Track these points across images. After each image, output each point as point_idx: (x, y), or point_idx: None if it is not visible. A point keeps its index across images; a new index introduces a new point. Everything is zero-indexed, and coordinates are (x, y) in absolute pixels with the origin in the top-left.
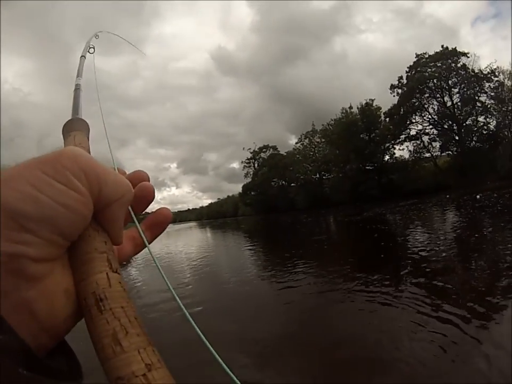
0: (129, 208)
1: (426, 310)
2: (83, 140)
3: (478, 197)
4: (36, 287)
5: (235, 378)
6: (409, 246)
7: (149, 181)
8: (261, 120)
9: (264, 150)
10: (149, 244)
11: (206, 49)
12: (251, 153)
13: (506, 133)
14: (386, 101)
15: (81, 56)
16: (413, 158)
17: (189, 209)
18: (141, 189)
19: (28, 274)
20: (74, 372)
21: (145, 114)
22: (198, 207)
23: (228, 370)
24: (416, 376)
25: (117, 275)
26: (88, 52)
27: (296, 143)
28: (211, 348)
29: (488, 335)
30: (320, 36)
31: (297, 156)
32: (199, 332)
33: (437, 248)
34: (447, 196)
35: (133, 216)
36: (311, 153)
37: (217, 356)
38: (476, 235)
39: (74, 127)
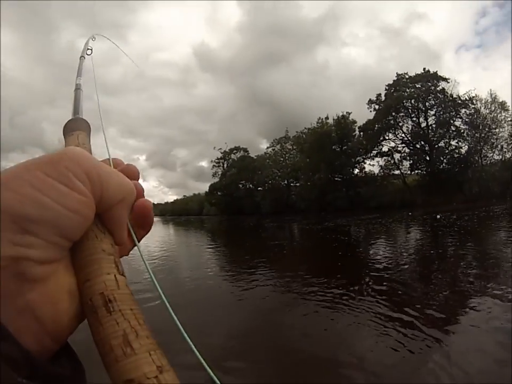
0: None
1: (380, 317)
2: (85, 140)
3: (438, 216)
4: (39, 290)
5: (212, 374)
6: (364, 256)
7: (138, 177)
8: (234, 121)
9: (235, 151)
10: (139, 241)
11: (190, 43)
12: (222, 153)
13: (477, 158)
14: (361, 115)
15: (81, 56)
16: (383, 173)
17: (153, 203)
18: (139, 206)
19: (31, 276)
20: (77, 376)
21: (120, 102)
22: (163, 202)
23: (203, 362)
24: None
25: (124, 278)
26: (87, 53)
27: (268, 147)
28: (190, 342)
29: (442, 345)
30: (304, 43)
31: (268, 160)
32: (180, 325)
33: (390, 260)
34: (410, 213)
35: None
36: (282, 159)
37: (195, 349)
38: (428, 252)
39: (77, 127)
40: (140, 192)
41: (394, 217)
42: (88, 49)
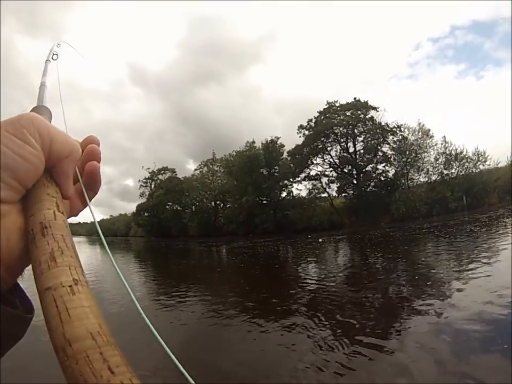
0: (76, 168)
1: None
2: None
3: (320, 240)
4: None
5: (188, 375)
6: (291, 277)
7: (99, 145)
8: (161, 140)
9: (162, 172)
10: (91, 199)
11: (125, 52)
12: (150, 173)
13: (403, 180)
14: (291, 140)
15: (46, 60)
16: (310, 197)
17: (79, 222)
18: (88, 149)
19: None
20: (27, 310)
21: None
22: (89, 221)
23: (178, 364)
24: None
25: (63, 215)
26: (52, 58)
27: (196, 169)
28: (164, 345)
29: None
30: (238, 62)
31: (195, 182)
32: (153, 328)
33: (316, 278)
34: (309, 236)
35: (78, 174)
36: (209, 181)
37: (169, 352)
38: (343, 269)
39: (39, 112)
40: (95, 155)
41: (306, 240)
42: (54, 54)
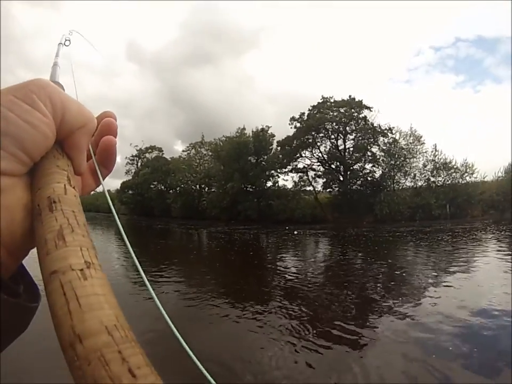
0: (89, 145)
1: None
2: None
3: (295, 232)
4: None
5: (208, 376)
6: (256, 262)
7: (116, 120)
8: (151, 119)
9: (150, 150)
10: (105, 177)
11: (123, 28)
12: (137, 150)
13: (389, 183)
14: (282, 130)
15: (59, 43)
16: (295, 189)
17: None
18: (104, 123)
19: None
20: (32, 297)
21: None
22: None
23: (198, 363)
24: None
25: (74, 191)
26: (65, 44)
27: (183, 151)
28: (184, 343)
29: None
30: (236, 47)
31: (182, 164)
32: (171, 323)
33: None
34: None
35: (91, 150)
36: (196, 164)
37: (189, 350)
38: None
39: None
40: (112, 129)
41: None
42: (66, 40)
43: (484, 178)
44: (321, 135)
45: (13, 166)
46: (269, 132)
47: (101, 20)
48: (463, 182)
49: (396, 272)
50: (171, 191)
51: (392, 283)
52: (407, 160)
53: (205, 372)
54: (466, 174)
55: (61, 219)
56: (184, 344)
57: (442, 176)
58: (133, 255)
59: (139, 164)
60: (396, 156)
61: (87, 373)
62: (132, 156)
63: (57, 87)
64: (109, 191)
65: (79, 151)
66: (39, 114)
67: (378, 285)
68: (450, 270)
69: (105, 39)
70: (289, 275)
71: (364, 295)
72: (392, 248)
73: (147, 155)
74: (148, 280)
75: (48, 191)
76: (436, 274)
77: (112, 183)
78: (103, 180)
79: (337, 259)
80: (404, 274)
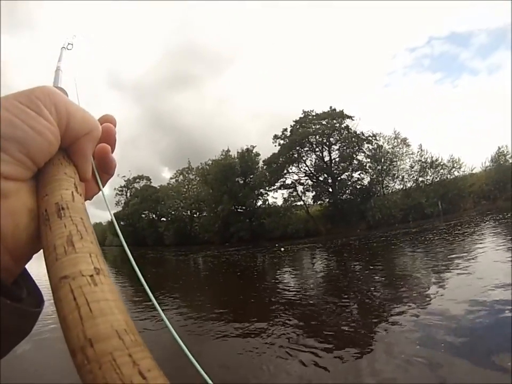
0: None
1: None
2: None
3: (282, 249)
4: (3, 204)
5: (207, 378)
6: (242, 281)
7: (115, 124)
8: (135, 146)
9: (138, 180)
10: (104, 185)
11: (101, 55)
12: (125, 181)
13: (379, 188)
14: (266, 148)
15: (62, 47)
16: (286, 205)
17: None
18: (103, 128)
19: None
20: (35, 302)
21: None
22: None
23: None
24: None
25: (81, 198)
26: (67, 48)
27: (171, 178)
28: (186, 349)
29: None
30: (215, 66)
31: (171, 191)
32: (174, 333)
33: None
34: (276, 245)
35: (91, 157)
36: (184, 190)
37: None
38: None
39: None
40: (110, 135)
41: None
42: (69, 44)
43: (472, 170)
44: (305, 149)
45: (17, 171)
46: (254, 151)
47: (80, 46)
48: (451, 177)
49: (396, 273)
50: (162, 219)
51: (390, 284)
52: (394, 163)
53: (203, 372)
54: (453, 169)
55: (70, 226)
56: (183, 345)
57: (430, 174)
58: (140, 276)
59: (128, 194)
60: (382, 160)
61: (98, 376)
62: (121, 187)
63: (62, 94)
64: (100, 223)
65: (84, 157)
66: (44, 121)
67: (377, 289)
68: (448, 265)
69: (84, 67)
70: (279, 290)
71: (364, 301)
72: (386, 252)
73: (135, 185)
74: (156, 301)
75: (57, 197)
76: (434, 273)
77: (103, 214)
78: (105, 184)
79: (329, 269)
80: (401, 273)
